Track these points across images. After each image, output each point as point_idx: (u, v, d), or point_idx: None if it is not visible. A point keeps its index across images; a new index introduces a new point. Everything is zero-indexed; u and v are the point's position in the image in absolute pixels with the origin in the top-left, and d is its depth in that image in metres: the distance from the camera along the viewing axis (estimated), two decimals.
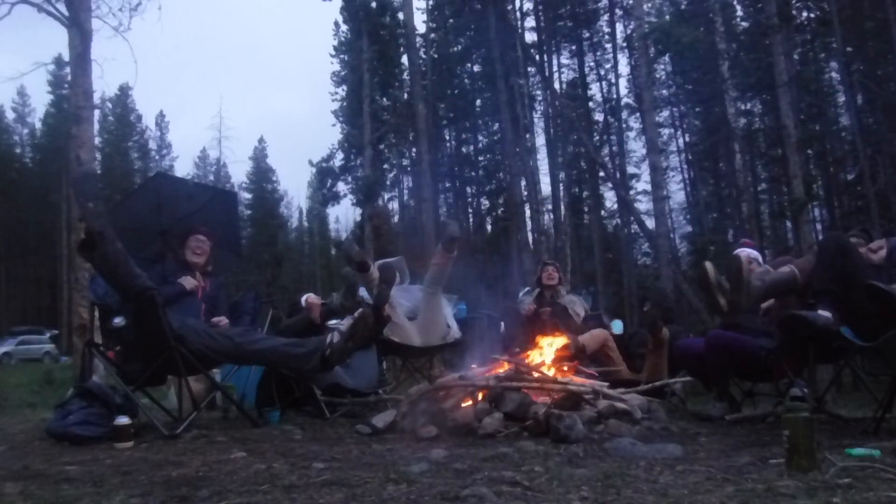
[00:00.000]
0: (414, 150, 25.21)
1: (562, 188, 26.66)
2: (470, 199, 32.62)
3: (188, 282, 4.03)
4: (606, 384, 3.71)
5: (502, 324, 5.55)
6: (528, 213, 24.13)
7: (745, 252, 4.08)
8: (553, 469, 2.29)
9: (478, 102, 29.16)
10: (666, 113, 28.23)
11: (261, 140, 45.46)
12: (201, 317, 3.99)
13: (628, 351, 5.41)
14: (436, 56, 27.47)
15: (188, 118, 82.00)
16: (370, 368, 4.91)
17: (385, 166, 28.61)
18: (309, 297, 4.99)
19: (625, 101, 27.91)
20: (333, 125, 27.24)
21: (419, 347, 5.06)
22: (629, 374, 5.05)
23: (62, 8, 9.26)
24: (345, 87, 27.54)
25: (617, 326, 6.04)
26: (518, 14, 26.73)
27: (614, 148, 29.45)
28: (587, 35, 28.65)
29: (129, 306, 3.59)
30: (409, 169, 31.04)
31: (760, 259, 4.16)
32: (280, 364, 4.07)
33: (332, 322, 4.62)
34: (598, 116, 29.46)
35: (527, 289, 6.03)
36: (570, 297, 5.79)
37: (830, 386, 4.54)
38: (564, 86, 29.24)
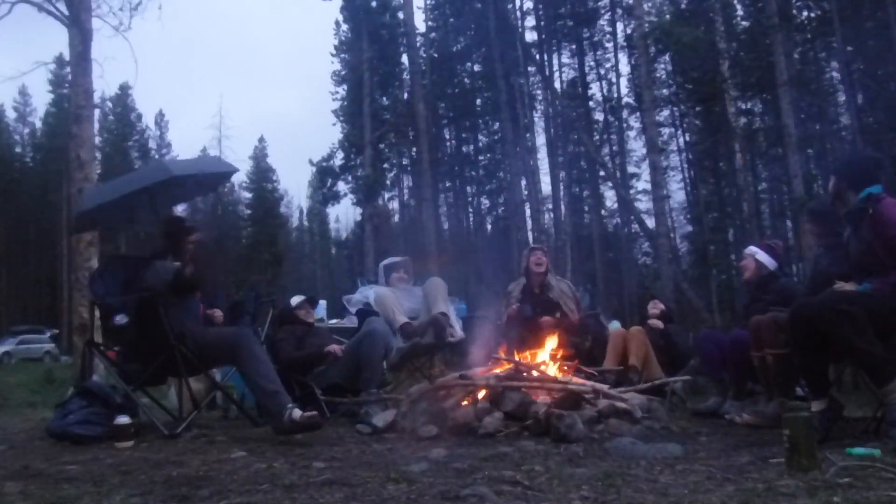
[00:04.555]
0: (414, 149, 25.19)
1: (562, 188, 26.66)
2: (470, 199, 32.63)
3: None
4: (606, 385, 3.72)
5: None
6: (528, 212, 24.17)
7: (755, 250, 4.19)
8: (553, 468, 2.28)
9: (478, 102, 29.15)
10: (666, 112, 28.21)
11: (261, 140, 45.39)
12: (199, 316, 4.01)
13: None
14: (436, 56, 27.45)
15: (188, 118, 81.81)
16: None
17: (385, 166, 28.58)
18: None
19: (625, 100, 27.95)
20: (334, 124, 27.24)
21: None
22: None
23: (62, 7, 9.21)
24: (345, 87, 27.54)
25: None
26: (518, 13, 26.78)
27: (614, 147, 29.46)
28: (587, 34, 28.64)
29: (129, 306, 3.61)
30: (409, 169, 31.04)
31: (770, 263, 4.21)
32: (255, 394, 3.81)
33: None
34: (599, 116, 29.49)
35: (518, 280, 5.52)
36: (560, 288, 5.33)
37: (831, 386, 4.52)
38: (564, 85, 29.24)
